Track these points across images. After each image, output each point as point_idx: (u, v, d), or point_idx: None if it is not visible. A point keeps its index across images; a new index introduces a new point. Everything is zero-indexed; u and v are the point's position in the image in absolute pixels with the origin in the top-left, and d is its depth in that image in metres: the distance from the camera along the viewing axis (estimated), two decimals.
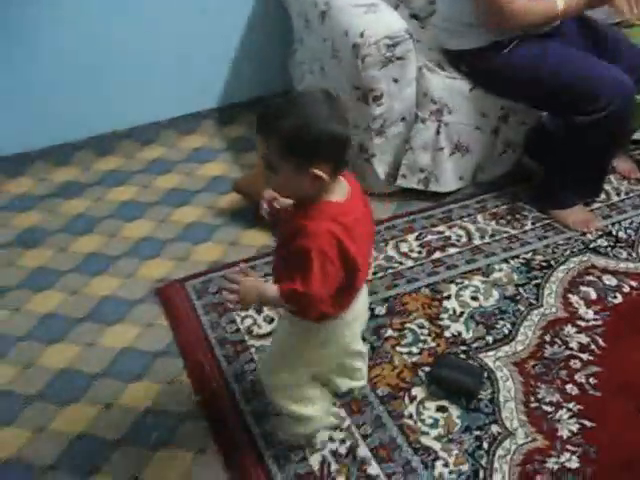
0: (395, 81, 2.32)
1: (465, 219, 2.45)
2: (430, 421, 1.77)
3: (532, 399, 1.83)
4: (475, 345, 1.97)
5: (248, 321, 2.05)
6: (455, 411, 1.80)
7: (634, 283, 2.17)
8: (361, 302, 1.57)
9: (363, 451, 1.71)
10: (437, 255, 2.29)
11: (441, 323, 2.04)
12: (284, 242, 1.42)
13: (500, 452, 1.70)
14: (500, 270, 2.23)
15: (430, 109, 2.39)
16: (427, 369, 1.90)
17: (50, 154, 2.80)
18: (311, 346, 1.54)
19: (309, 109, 1.33)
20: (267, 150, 1.33)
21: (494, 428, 1.75)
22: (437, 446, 1.72)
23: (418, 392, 1.84)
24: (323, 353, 1.56)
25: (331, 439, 1.73)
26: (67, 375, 1.94)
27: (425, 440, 1.73)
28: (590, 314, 2.06)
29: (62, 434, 1.79)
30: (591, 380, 1.86)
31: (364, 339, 1.90)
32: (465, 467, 1.67)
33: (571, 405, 1.80)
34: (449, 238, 2.36)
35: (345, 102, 1.61)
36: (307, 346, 1.54)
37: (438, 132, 2.42)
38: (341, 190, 1.40)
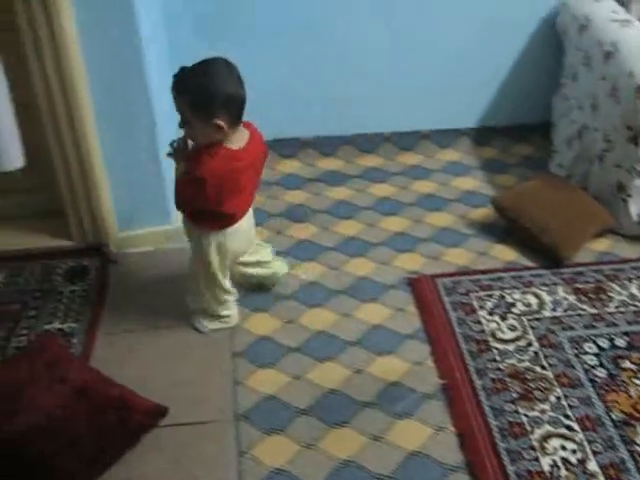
0: None
1: None
2: None
3: None
4: None
5: (493, 325, 2.20)
6: None
7: None
8: (244, 224, 2.05)
9: (592, 466, 1.81)
10: None
11: None
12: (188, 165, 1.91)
13: None
14: None
15: None
16: None
17: (317, 144, 3.10)
18: (212, 251, 2.02)
19: (211, 74, 1.81)
20: (182, 106, 1.81)
21: None
22: None
23: None
24: (223, 253, 2.04)
25: (563, 448, 1.85)
26: (325, 336, 2.19)
27: None
28: None
29: (316, 385, 2.03)
30: None
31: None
32: None
33: None
34: None
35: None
36: (210, 253, 2.02)
37: None
38: (240, 139, 1.89)
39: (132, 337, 2.21)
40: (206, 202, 1.89)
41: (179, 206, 2.00)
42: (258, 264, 2.29)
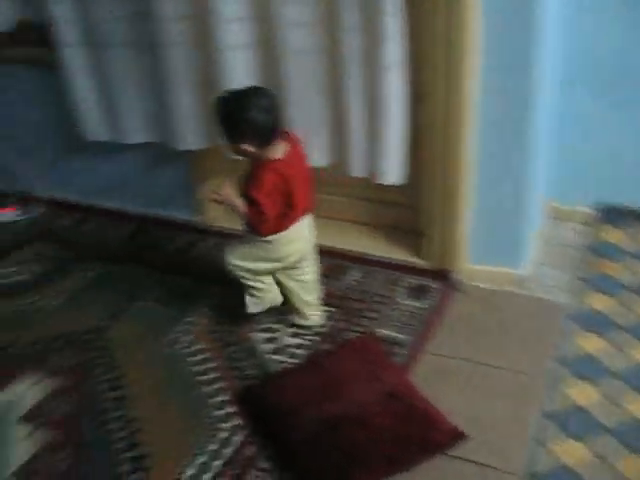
0: None
1: None
2: None
3: None
4: None
5: None
6: None
7: None
8: (299, 230, 2.28)
9: None
10: None
11: None
12: (246, 187, 2.16)
13: None
14: None
15: None
16: None
17: None
18: (262, 255, 2.30)
19: (236, 102, 2.07)
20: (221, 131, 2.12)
21: None
22: None
23: None
24: (269, 259, 2.31)
25: None
26: None
27: None
28: None
29: (621, 475, 1.91)
30: None
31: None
32: None
33: None
34: None
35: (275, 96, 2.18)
36: (259, 254, 2.30)
37: None
38: (280, 151, 2.14)
39: (452, 364, 2.30)
40: (272, 210, 2.14)
41: (263, 223, 2.19)
42: (300, 284, 2.44)
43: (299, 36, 2.38)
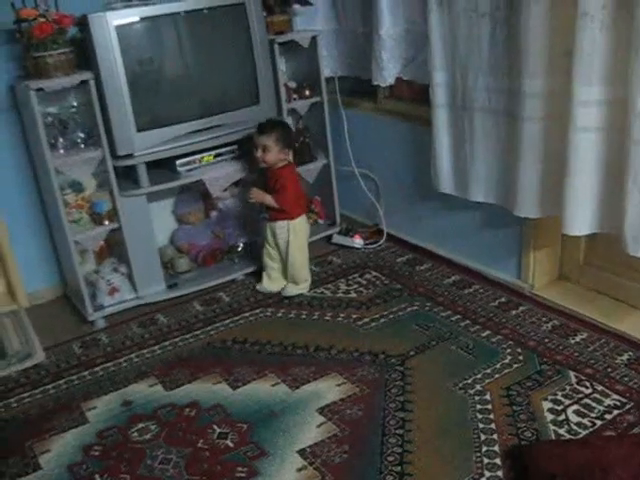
0: None
1: None
2: None
3: None
4: None
5: None
6: None
7: None
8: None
9: None
10: None
11: None
12: (274, 183, 3.39)
13: None
14: None
15: None
16: None
17: None
18: (302, 236, 3.48)
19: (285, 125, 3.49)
20: (268, 141, 3.28)
21: None
22: None
23: None
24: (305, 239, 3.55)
25: None
26: None
27: None
28: None
29: None
30: None
31: None
32: None
33: None
34: None
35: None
36: (301, 237, 3.48)
37: None
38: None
39: None
40: (299, 197, 3.47)
41: (290, 209, 3.40)
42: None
43: None
